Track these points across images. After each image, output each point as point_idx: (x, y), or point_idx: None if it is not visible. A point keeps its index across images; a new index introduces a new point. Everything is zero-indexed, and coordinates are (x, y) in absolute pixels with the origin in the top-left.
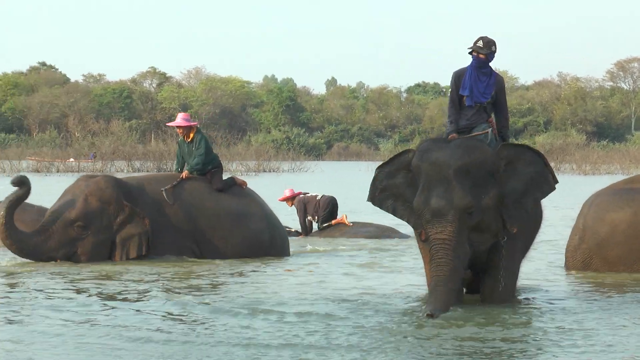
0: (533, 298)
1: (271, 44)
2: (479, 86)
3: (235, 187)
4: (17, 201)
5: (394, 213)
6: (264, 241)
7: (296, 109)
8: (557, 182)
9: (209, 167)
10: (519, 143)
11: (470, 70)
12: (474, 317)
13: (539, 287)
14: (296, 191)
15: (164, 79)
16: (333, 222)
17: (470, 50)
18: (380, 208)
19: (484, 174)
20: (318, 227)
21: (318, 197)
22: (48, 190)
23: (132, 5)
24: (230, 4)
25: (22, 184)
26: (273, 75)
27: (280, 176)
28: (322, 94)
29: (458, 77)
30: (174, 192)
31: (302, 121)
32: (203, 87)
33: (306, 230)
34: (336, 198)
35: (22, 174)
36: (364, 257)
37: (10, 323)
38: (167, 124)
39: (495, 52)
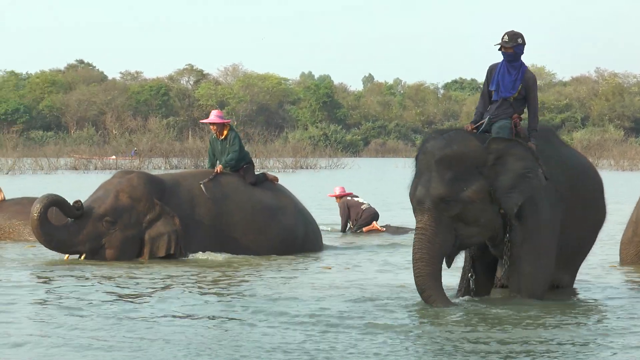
0: (580, 294)
1: (308, 40)
2: (506, 81)
3: (267, 182)
4: (57, 199)
5: None
6: (299, 235)
7: (333, 105)
8: (547, 178)
9: (242, 163)
10: (510, 138)
11: (500, 65)
12: (510, 315)
13: (588, 283)
14: (347, 191)
15: (201, 76)
16: (365, 229)
17: (498, 46)
18: None
19: (467, 166)
20: (351, 231)
21: (363, 207)
22: (88, 188)
23: (170, 3)
24: (267, 1)
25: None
26: (310, 72)
27: (318, 173)
28: (359, 91)
29: (490, 71)
30: (210, 186)
31: (339, 118)
32: (240, 84)
33: (344, 230)
34: (378, 213)
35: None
36: (400, 255)
37: (47, 322)
38: (201, 121)
39: (523, 44)
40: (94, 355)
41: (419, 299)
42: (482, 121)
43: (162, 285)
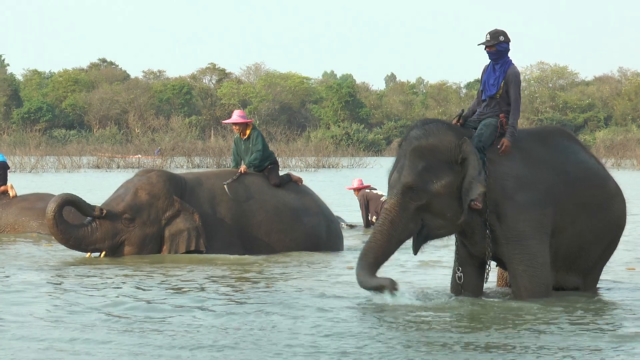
0: (598, 295)
1: (330, 39)
2: (490, 79)
3: (291, 183)
4: (72, 198)
5: None
6: (321, 236)
7: (355, 105)
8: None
9: (266, 163)
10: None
11: (488, 64)
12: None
13: (607, 285)
14: (365, 183)
15: (223, 75)
16: None
17: (482, 46)
18: None
19: (439, 160)
20: (373, 224)
21: (383, 199)
22: (110, 186)
23: (192, 2)
24: (289, 1)
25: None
26: (332, 71)
27: (340, 172)
28: (382, 90)
29: (483, 71)
30: (234, 187)
31: (362, 117)
32: (262, 84)
33: (368, 224)
34: None
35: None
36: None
37: (70, 324)
38: (223, 122)
39: (505, 41)
40: None
41: (439, 300)
42: (465, 115)
43: (176, 286)
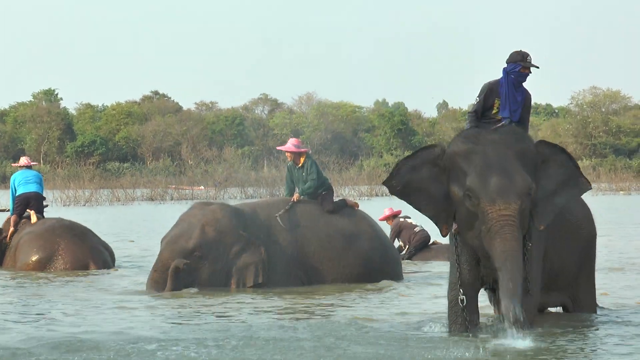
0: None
1: (382, 68)
2: (513, 103)
3: (346, 208)
4: None
5: (418, 207)
6: (375, 261)
7: (408, 132)
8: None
9: (320, 190)
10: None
11: (507, 88)
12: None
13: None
14: (395, 209)
15: (275, 105)
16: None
17: (517, 65)
18: (400, 199)
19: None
20: (404, 257)
21: (416, 229)
22: (164, 219)
23: (242, 34)
24: (340, 30)
25: None
26: (384, 99)
27: (393, 200)
28: (434, 117)
29: (491, 91)
30: (287, 217)
31: (414, 145)
32: (314, 113)
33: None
34: (430, 236)
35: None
36: None
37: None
38: (278, 148)
39: None
40: None
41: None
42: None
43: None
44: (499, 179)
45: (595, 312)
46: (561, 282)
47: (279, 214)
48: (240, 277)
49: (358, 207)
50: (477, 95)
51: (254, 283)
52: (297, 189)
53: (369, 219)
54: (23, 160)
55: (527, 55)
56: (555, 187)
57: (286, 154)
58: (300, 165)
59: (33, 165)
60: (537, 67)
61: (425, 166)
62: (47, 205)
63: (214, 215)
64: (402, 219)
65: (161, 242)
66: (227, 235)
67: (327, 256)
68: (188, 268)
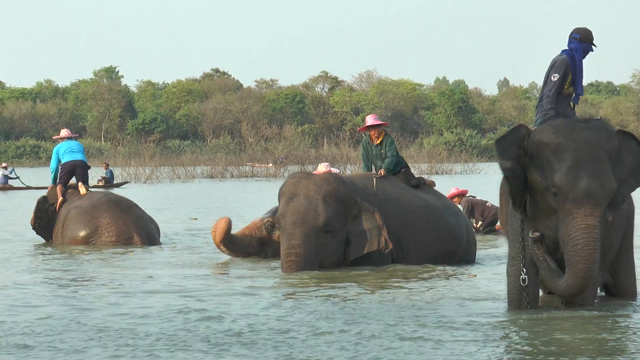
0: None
1: (442, 45)
2: (582, 79)
3: (425, 186)
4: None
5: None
6: (462, 236)
7: (468, 110)
8: None
9: (399, 167)
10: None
11: (578, 62)
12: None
13: None
14: (461, 188)
15: (335, 83)
16: (497, 226)
17: (589, 46)
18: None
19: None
20: (481, 231)
21: (488, 204)
22: (226, 196)
23: (304, 11)
24: (400, 8)
25: None
26: (444, 77)
27: (453, 178)
28: (494, 95)
29: (567, 66)
30: (379, 186)
31: (475, 123)
32: (375, 91)
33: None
34: None
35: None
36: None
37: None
38: (359, 129)
39: None
40: None
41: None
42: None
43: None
44: (589, 181)
45: (635, 291)
46: (608, 260)
47: (375, 179)
48: (358, 244)
49: (435, 185)
50: (553, 72)
51: (377, 247)
52: (374, 166)
53: (445, 197)
54: (64, 132)
55: (588, 31)
56: (625, 176)
57: (369, 130)
58: (378, 142)
59: (74, 136)
60: (596, 47)
61: (512, 147)
62: (127, 182)
63: (330, 186)
64: (470, 197)
65: (276, 218)
66: (345, 203)
67: (423, 227)
68: (324, 246)
